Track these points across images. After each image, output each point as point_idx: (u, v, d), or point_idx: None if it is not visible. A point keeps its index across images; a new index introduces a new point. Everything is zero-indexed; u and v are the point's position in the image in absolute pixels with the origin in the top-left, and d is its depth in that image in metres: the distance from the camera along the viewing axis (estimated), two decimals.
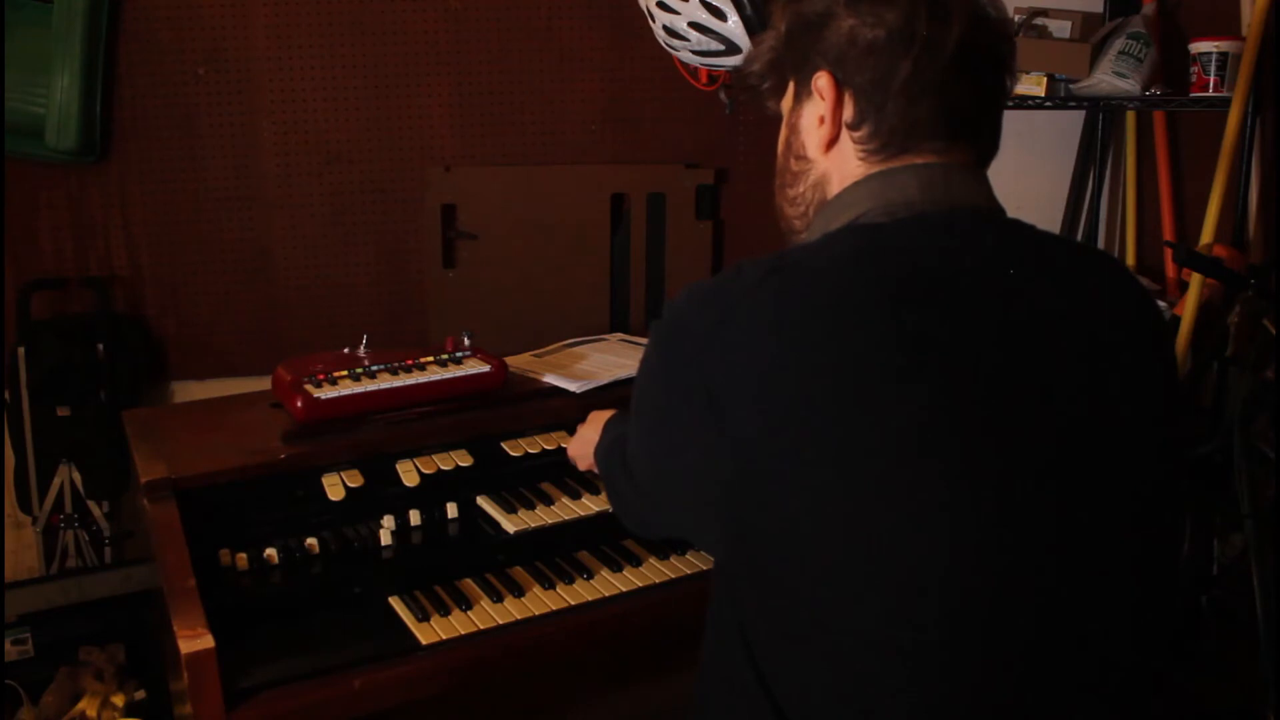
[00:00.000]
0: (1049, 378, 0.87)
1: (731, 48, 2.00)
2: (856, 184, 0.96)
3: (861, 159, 0.97)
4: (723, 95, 2.37)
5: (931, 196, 0.93)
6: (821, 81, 0.97)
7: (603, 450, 1.30)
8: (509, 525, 1.56)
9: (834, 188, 0.99)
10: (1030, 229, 0.98)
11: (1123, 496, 0.89)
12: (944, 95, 0.93)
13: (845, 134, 0.97)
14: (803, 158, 1.02)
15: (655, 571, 1.55)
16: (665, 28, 2.04)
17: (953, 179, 0.95)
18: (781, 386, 0.83)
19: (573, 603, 1.47)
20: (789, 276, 0.88)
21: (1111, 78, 2.35)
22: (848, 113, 0.96)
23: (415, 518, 1.58)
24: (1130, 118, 2.65)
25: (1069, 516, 0.86)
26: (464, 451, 1.63)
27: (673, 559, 1.59)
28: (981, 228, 0.94)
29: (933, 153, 0.95)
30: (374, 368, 1.67)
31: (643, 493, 1.08)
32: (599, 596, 1.49)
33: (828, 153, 0.99)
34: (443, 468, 1.60)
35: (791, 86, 1.04)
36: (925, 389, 0.83)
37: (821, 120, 0.98)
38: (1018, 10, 2.57)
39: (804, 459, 0.82)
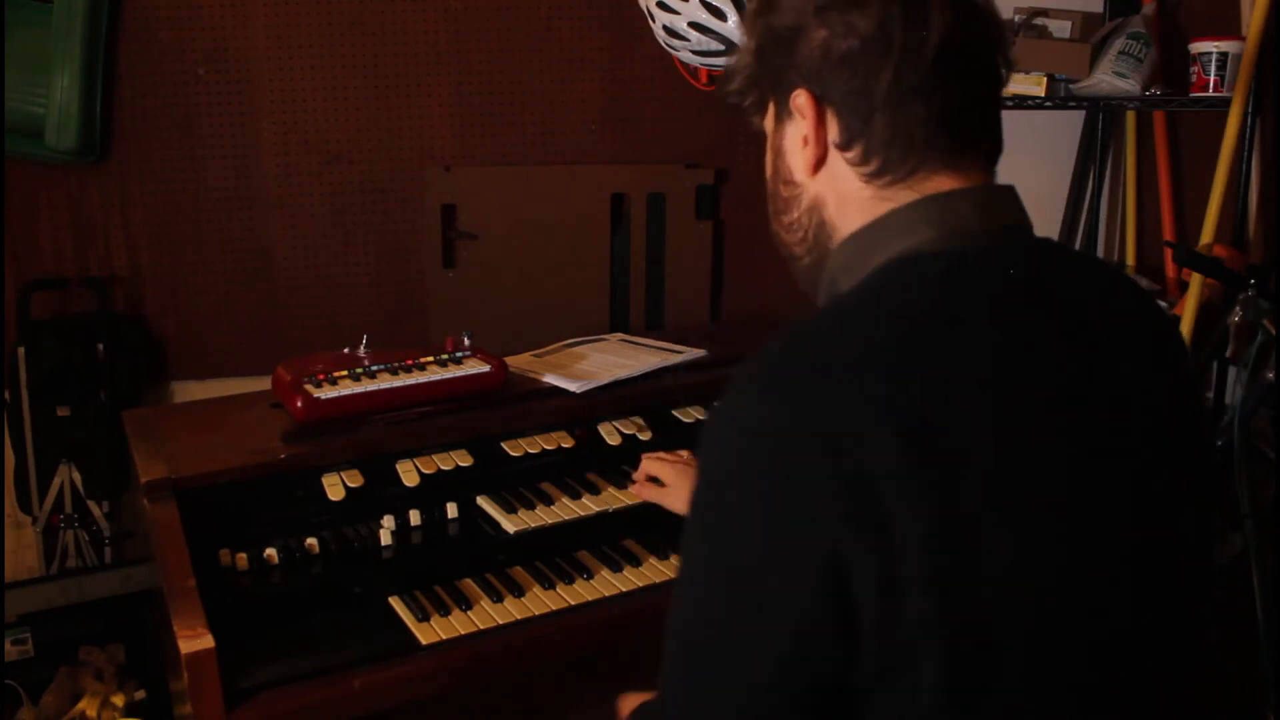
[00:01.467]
0: (1128, 402, 0.86)
1: (731, 48, 2.00)
2: (894, 213, 0.89)
3: (865, 181, 0.90)
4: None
5: (985, 221, 0.88)
6: (800, 100, 0.90)
7: None
8: (509, 525, 1.56)
9: (832, 211, 0.93)
10: (1064, 248, 0.96)
11: (1186, 521, 0.89)
12: (935, 101, 0.86)
13: (835, 154, 0.91)
14: (791, 182, 0.96)
15: (655, 571, 1.55)
16: (665, 28, 2.05)
17: (995, 201, 0.90)
18: (959, 444, 0.76)
19: (573, 603, 1.47)
20: (901, 320, 0.81)
21: (1111, 78, 2.35)
22: (833, 132, 0.90)
23: (415, 518, 1.58)
24: (1130, 118, 2.65)
25: (1153, 538, 0.85)
26: (464, 451, 1.63)
27: (673, 559, 1.59)
28: (1040, 249, 0.91)
29: (945, 167, 0.89)
30: (374, 368, 1.67)
31: None
32: (599, 596, 1.49)
33: (815, 174, 0.93)
34: (443, 468, 1.60)
35: (771, 106, 0.97)
36: (1072, 420, 0.81)
37: (805, 141, 0.91)
38: (1018, 10, 2.57)
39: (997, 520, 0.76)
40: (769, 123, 0.99)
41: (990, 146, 0.92)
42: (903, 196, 0.89)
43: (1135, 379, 0.87)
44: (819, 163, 0.92)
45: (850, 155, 0.89)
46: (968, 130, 0.89)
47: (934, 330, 0.80)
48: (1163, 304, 2.45)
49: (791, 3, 0.90)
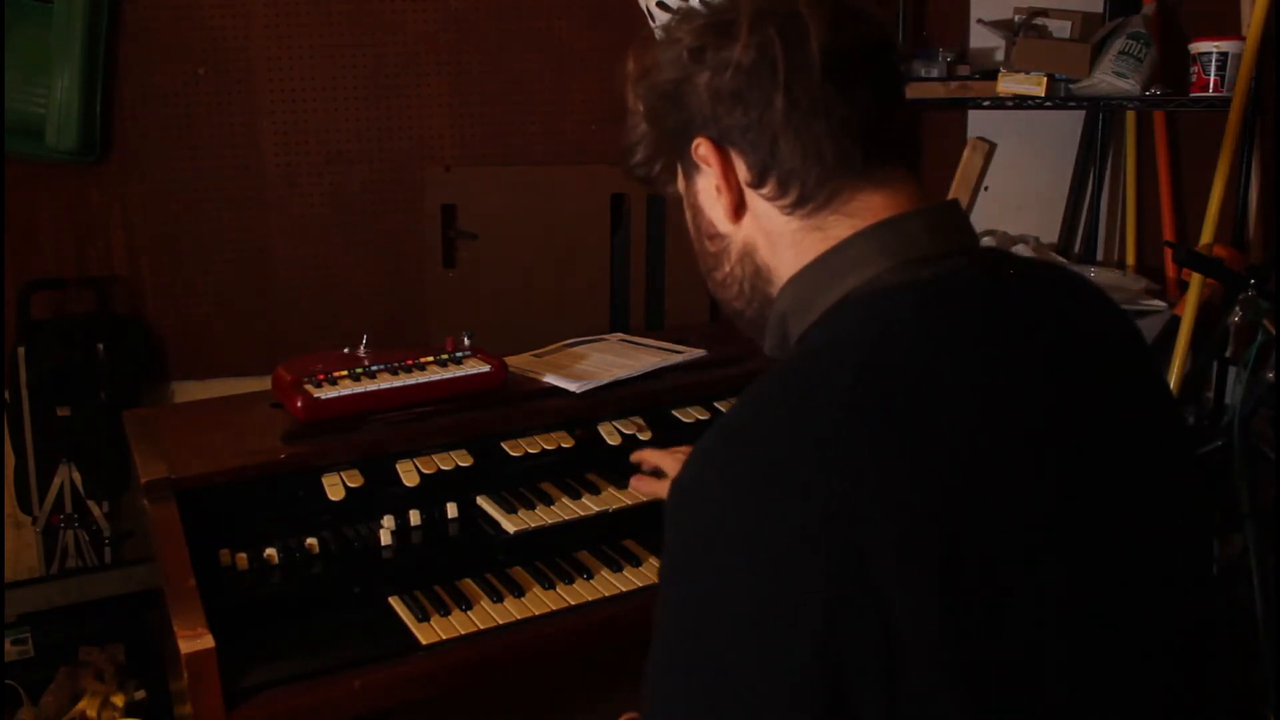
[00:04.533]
0: (1117, 415, 0.84)
1: None
2: (842, 245, 0.85)
3: (788, 214, 0.86)
4: None
5: (938, 244, 0.84)
6: (702, 149, 0.87)
7: None
8: (509, 525, 1.56)
9: (765, 254, 0.89)
10: (1018, 258, 0.92)
11: (1187, 523, 0.87)
12: (836, 114, 0.83)
13: (752, 194, 0.87)
14: (716, 235, 0.92)
15: (655, 572, 1.55)
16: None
17: (946, 221, 0.87)
18: (963, 515, 0.71)
19: (573, 603, 1.47)
20: (889, 375, 0.74)
21: (1111, 78, 2.35)
22: (743, 172, 0.87)
23: (415, 518, 1.58)
24: (1130, 118, 2.65)
25: (1149, 552, 0.84)
26: (464, 451, 1.63)
27: None
28: (997, 265, 0.87)
29: (867, 183, 0.85)
30: (374, 368, 1.67)
31: None
32: (599, 596, 1.49)
33: (738, 220, 0.89)
34: (443, 468, 1.60)
35: (679, 166, 0.94)
36: (1063, 446, 0.78)
37: (719, 189, 0.88)
38: (1018, 10, 2.58)
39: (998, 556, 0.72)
40: (680, 184, 0.96)
41: (907, 152, 0.89)
42: (835, 223, 0.85)
43: (1114, 389, 0.85)
44: (737, 207, 0.89)
45: (766, 191, 0.86)
46: (878, 139, 0.85)
47: (914, 375, 0.74)
48: (1163, 304, 2.45)
49: (667, 58, 0.89)
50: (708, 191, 0.91)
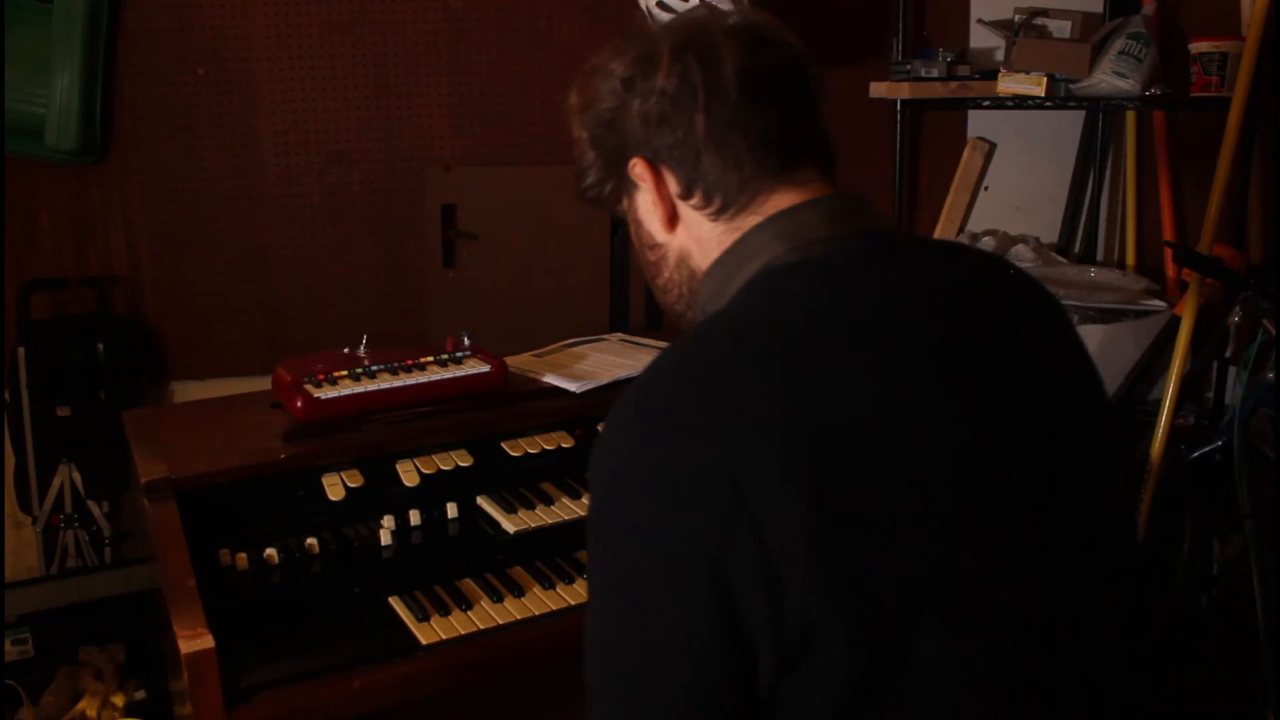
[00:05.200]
0: (1031, 388, 0.89)
1: None
2: (745, 238, 0.94)
3: (714, 220, 0.96)
4: None
5: (833, 227, 0.93)
6: (638, 168, 0.98)
7: None
8: (509, 525, 1.56)
9: (697, 259, 0.99)
10: (932, 241, 1.00)
11: (1102, 502, 0.91)
12: (752, 128, 0.93)
13: (682, 206, 0.98)
14: (655, 245, 1.02)
15: None
16: None
17: (843, 207, 0.94)
18: (829, 449, 0.78)
19: (573, 603, 1.47)
20: (764, 334, 0.84)
21: (1111, 78, 2.35)
22: (673, 186, 0.97)
23: (415, 518, 1.58)
24: (1130, 118, 2.65)
25: (1073, 528, 0.88)
26: (464, 451, 1.63)
27: None
28: (899, 245, 0.97)
29: (782, 185, 0.94)
30: (374, 368, 1.67)
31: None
32: None
33: (673, 230, 1.00)
34: (443, 468, 1.60)
35: (620, 185, 1.04)
36: (959, 411, 0.83)
37: (654, 203, 0.99)
38: (1018, 10, 2.58)
39: (876, 515, 0.78)
40: (624, 203, 1.05)
41: (821, 157, 0.98)
42: (750, 222, 0.95)
43: (1015, 351, 0.90)
44: (671, 219, 0.99)
45: (694, 201, 0.96)
46: (791, 147, 0.95)
47: (793, 334, 0.84)
48: (1163, 304, 2.45)
49: (603, 90, 0.99)
50: (646, 206, 1.01)
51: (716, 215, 0.96)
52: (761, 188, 0.94)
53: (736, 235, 0.95)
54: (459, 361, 1.74)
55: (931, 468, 0.80)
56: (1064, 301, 2.41)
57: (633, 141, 0.98)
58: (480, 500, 1.63)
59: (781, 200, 0.94)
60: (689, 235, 0.99)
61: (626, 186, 1.03)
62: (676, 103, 0.94)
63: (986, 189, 2.84)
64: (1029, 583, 0.83)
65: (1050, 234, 2.80)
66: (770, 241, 0.93)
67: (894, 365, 0.83)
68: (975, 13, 2.77)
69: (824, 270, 0.90)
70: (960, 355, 0.86)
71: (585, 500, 1.64)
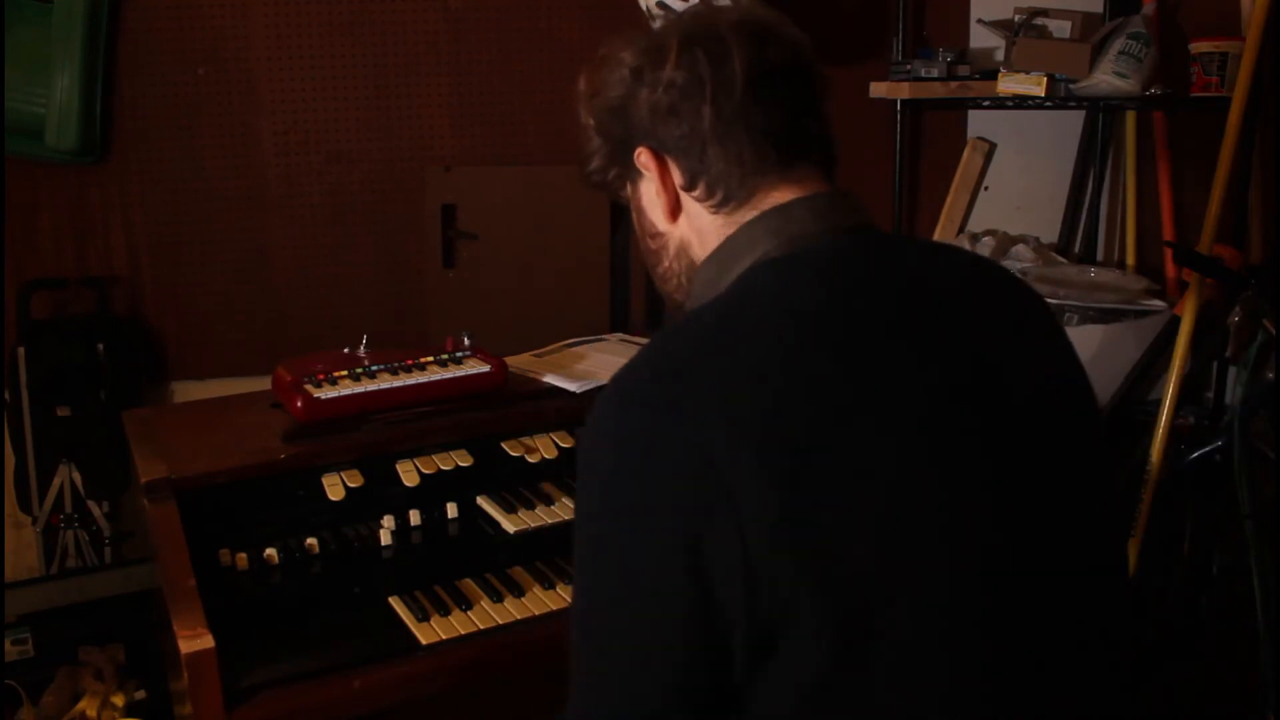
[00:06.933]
0: (1008, 381, 0.90)
1: None
2: (738, 233, 0.96)
3: (714, 213, 0.98)
4: None
5: (821, 223, 0.94)
6: (643, 157, 1.00)
7: None
8: (509, 525, 1.56)
9: (697, 249, 1.01)
10: (918, 240, 1.03)
11: (1084, 499, 0.93)
12: (756, 124, 0.95)
13: (685, 197, 0.99)
14: (656, 234, 1.04)
15: None
16: None
17: (832, 205, 0.96)
18: (801, 426, 0.80)
19: None
20: (744, 321, 0.86)
21: (1111, 78, 2.35)
22: (677, 176, 0.99)
23: (415, 518, 1.58)
24: (1130, 118, 2.65)
25: (1057, 517, 0.89)
26: (464, 451, 1.63)
27: None
28: (885, 242, 0.99)
29: (782, 180, 0.96)
30: (374, 368, 1.67)
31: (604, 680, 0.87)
32: None
33: (675, 220, 1.01)
34: (443, 468, 1.60)
35: (627, 173, 1.06)
36: (934, 401, 0.85)
37: (658, 192, 1.00)
38: (1018, 10, 2.57)
39: (848, 495, 0.80)
40: (628, 190, 1.07)
41: (820, 153, 1.00)
42: (747, 217, 0.97)
43: (994, 345, 0.91)
44: (674, 209, 1.01)
45: (697, 193, 0.98)
46: (792, 143, 0.97)
47: (772, 323, 0.86)
48: (1163, 304, 2.46)
49: (613, 78, 1.01)
50: (649, 195, 1.03)
51: (718, 208, 0.98)
52: (760, 183, 0.96)
53: (734, 229, 0.97)
54: (459, 361, 1.74)
55: (904, 453, 0.82)
56: (1064, 301, 2.44)
57: (639, 131, 0.99)
58: (480, 500, 1.63)
59: (778, 196, 0.96)
60: (690, 226, 1.01)
61: (631, 174, 1.04)
62: (685, 94, 0.95)
63: (986, 189, 2.84)
64: (1001, 574, 0.84)
65: (1050, 234, 2.80)
66: (762, 237, 0.95)
67: (870, 355, 0.85)
68: (975, 13, 2.77)
69: (807, 264, 0.92)
70: (937, 348, 0.87)
71: None
